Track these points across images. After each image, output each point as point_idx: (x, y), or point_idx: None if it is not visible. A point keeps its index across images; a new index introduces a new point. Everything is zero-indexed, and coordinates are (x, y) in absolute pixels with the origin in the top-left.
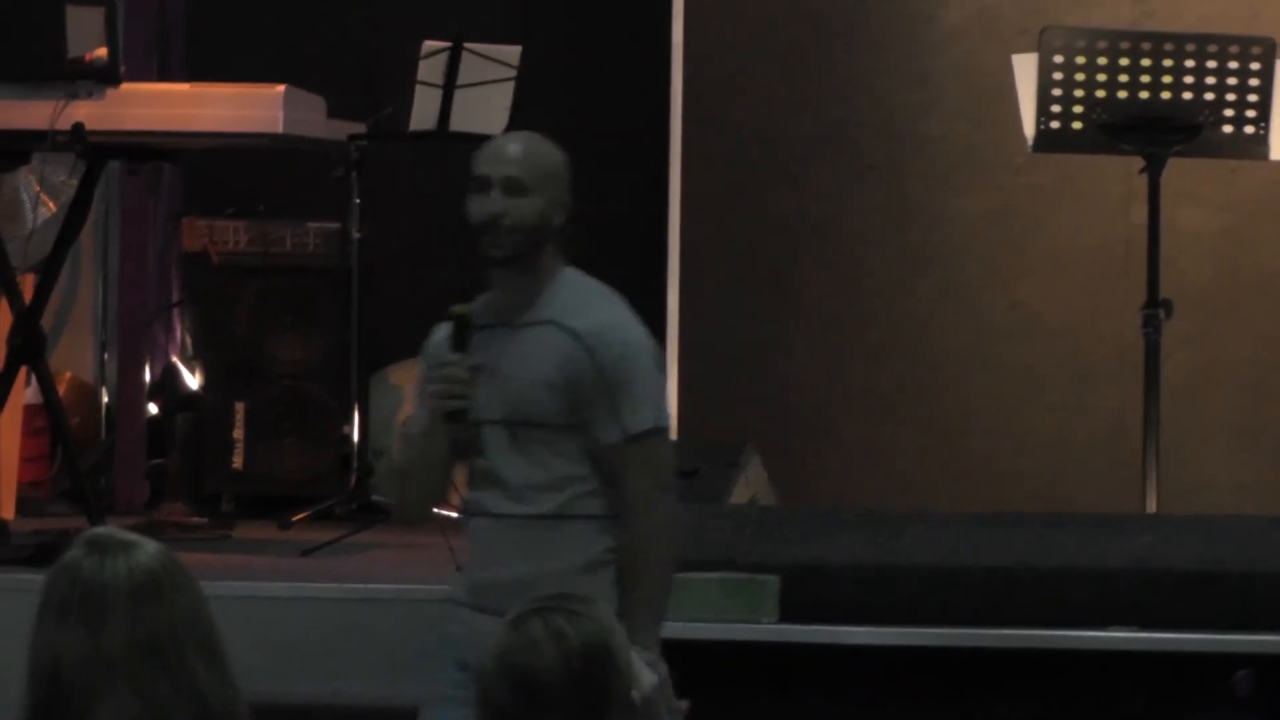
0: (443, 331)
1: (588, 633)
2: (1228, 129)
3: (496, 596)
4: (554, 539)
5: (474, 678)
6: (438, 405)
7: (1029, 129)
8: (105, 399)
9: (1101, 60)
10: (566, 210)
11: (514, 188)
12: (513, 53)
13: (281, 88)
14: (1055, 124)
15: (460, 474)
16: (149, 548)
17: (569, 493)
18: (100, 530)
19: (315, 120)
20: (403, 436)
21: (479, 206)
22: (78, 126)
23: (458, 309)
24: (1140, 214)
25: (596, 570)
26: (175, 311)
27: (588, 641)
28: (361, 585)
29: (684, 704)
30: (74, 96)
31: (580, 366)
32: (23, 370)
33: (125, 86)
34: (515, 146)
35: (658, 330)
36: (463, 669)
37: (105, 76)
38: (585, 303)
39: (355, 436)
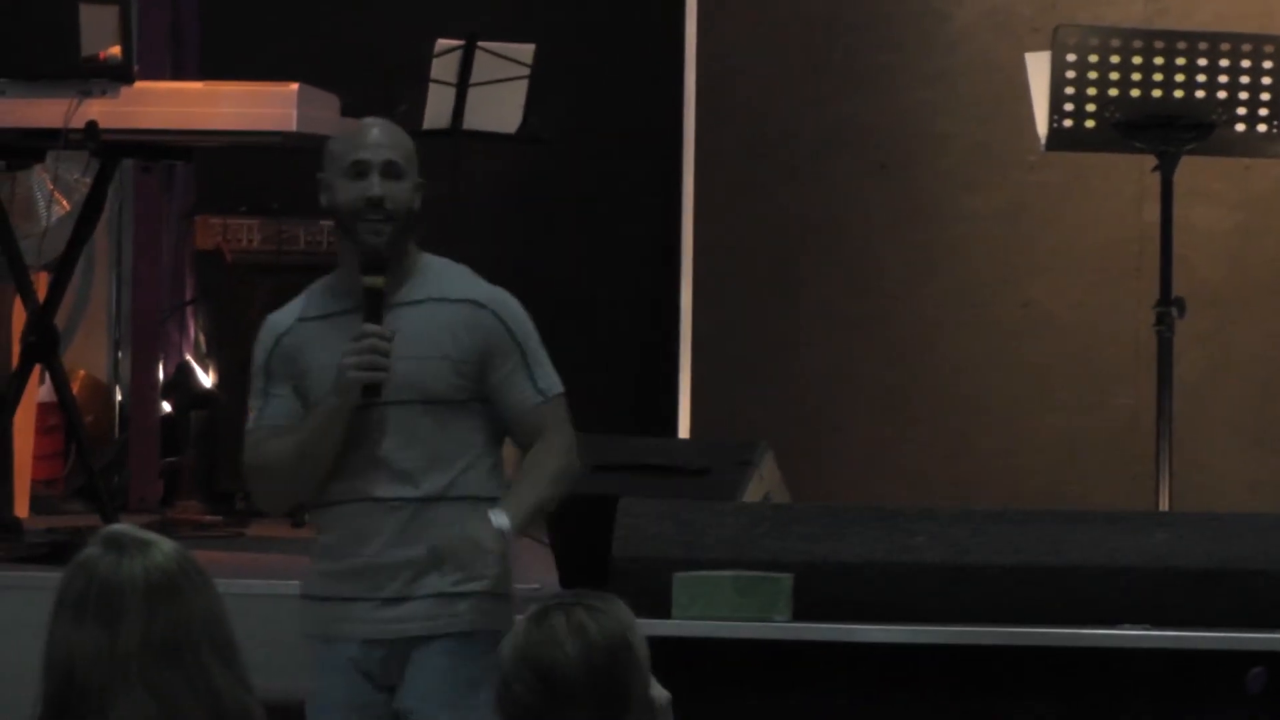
0: (288, 314)
1: (609, 629)
2: (1240, 127)
3: (383, 580)
4: (446, 520)
5: (497, 673)
6: (360, 377)
7: (1042, 127)
8: (119, 397)
9: (1114, 59)
10: (423, 190)
11: (392, 172)
12: (526, 51)
13: (295, 86)
14: (1068, 122)
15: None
16: (165, 547)
17: (457, 471)
18: (117, 528)
19: (329, 118)
20: (299, 421)
21: (357, 191)
22: (91, 125)
23: (373, 280)
24: (1153, 212)
25: None
26: (189, 309)
27: (609, 637)
28: None
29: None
30: (88, 95)
31: (492, 333)
32: (37, 368)
33: (139, 85)
34: (385, 132)
35: (670, 328)
36: (354, 664)
37: (119, 75)
38: (461, 277)
39: None
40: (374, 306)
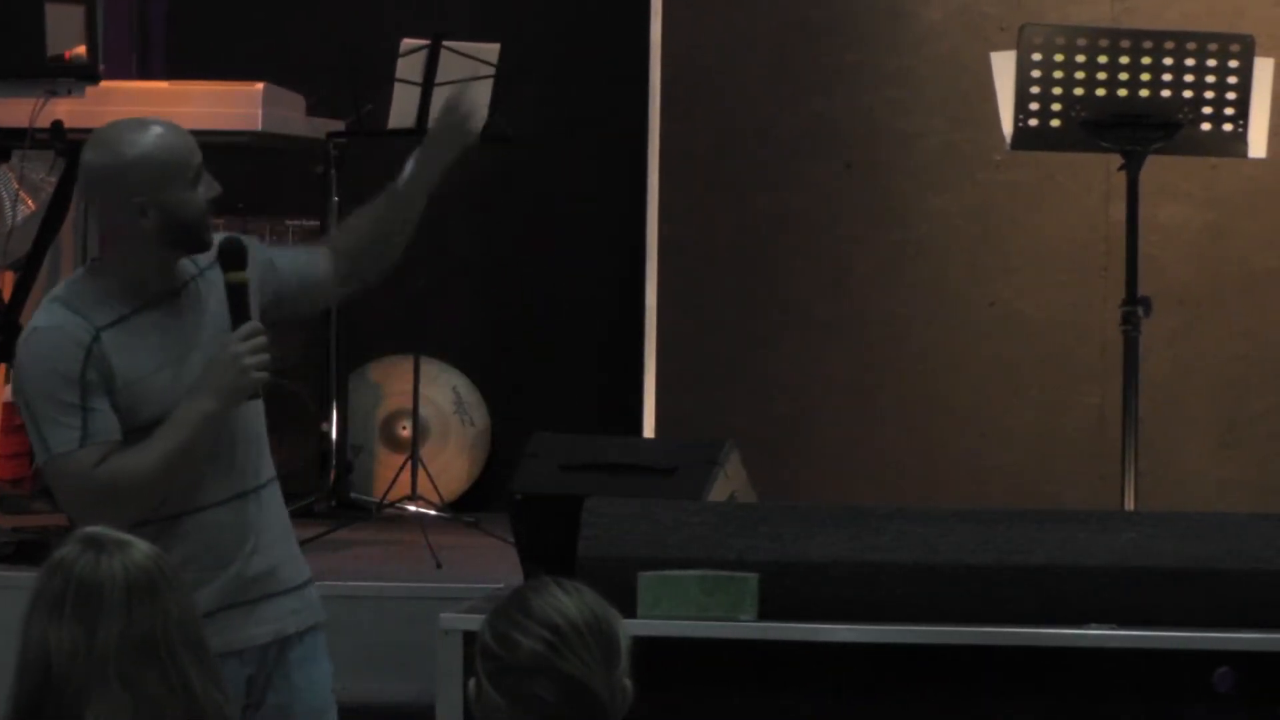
0: (79, 324)
1: (592, 592)
2: (1207, 126)
3: (251, 583)
4: (279, 501)
5: (478, 644)
6: (261, 378)
7: (1007, 126)
8: None
9: (1080, 58)
10: None
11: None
12: (491, 50)
13: (260, 86)
14: (1034, 121)
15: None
16: (143, 547)
17: (264, 445)
18: (94, 529)
19: (294, 118)
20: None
21: (201, 198)
22: (57, 124)
23: (237, 276)
24: (1120, 211)
25: None
26: None
27: (596, 597)
28: (341, 582)
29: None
30: (53, 94)
31: (253, 262)
32: (2, 367)
33: (105, 84)
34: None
35: (636, 327)
36: (241, 680)
37: (85, 74)
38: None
39: (334, 434)
40: (243, 303)
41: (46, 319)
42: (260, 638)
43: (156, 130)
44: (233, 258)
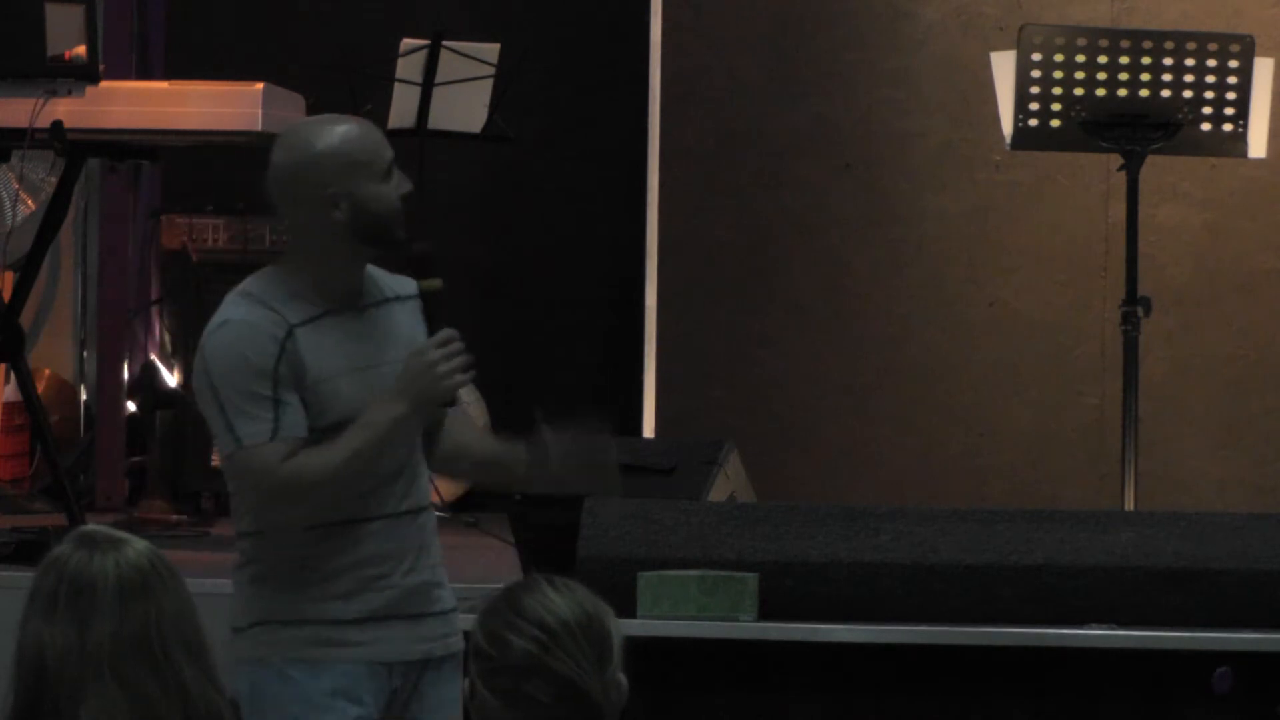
0: (274, 320)
1: (584, 590)
2: (1206, 126)
3: (420, 598)
4: (433, 526)
5: (471, 646)
6: (456, 382)
7: (1007, 126)
8: (84, 396)
9: (1080, 58)
10: None
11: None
12: (491, 50)
13: (260, 86)
14: (1034, 121)
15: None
16: (138, 545)
17: (426, 475)
18: (90, 527)
19: (294, 118)
20: (369, 426)
21: (395, 189)
22: (57, 124)
23: (430, 284)
24: (1119, 211)
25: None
26: (154, 309)
27: (589, 593)
28: None
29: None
30: (53, 94)
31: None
32: (1, 367)
33: (104, 84)
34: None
35: (635, 327)
36: (385, 693)
37: (84, 74)
38: (389, 274)
39: None
40: (438, 310)
41: (238, 312)
42: (413, 654)
43: (346, 125)
44: (425, 264)
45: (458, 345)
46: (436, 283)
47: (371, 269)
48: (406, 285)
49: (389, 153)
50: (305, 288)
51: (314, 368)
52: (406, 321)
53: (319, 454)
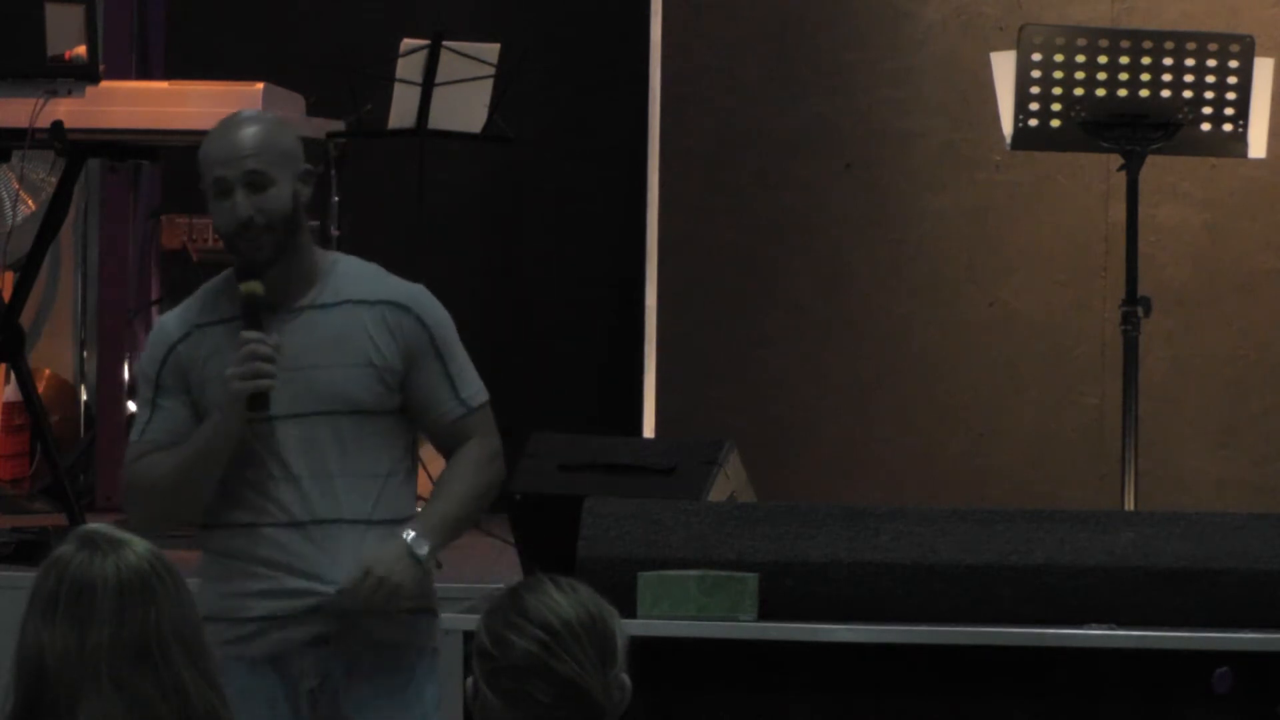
0: (181, 321)
1: (587, 589)
2: (1206, 126)
3: (306, 606)
4: (368, 542)
5: (474, 645)
6: (244, 387)
7: (1007, 127)
8: (85, 396)
9: (1080, 58)
10: (311, 178)
11: (257, 182)
12: (491, 50)
13: (260, 85)
14: (1034, 121)
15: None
16: (139, 547)
17: (377, 488)
18: (92, 526)
19: (294, 118)
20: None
21: (225, 212)
22: (57, 124)
23: (249, 286)
24: (1119, 211)
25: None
26: (154, 309)
27: (593, 594)
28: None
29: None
30: (53, 94)
31: (413, 338)
32: (2, 367)
33: (104, 84)
34: (245, 135)
35: (636, 327)
36: (284, 700)
37: (85, 74)
38: (376, 277)
39: None
40: (252, 313)
41: (169, 311)
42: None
43: (216, 129)
44: (249, 269)
45: (250, 348)
46: (256, 286)
47: (350, 268)
48: (384, 289)
49: (221, 169)
50: (231, 285)
51: (207, 371)
52: (350, 325)
53: (158, 459)
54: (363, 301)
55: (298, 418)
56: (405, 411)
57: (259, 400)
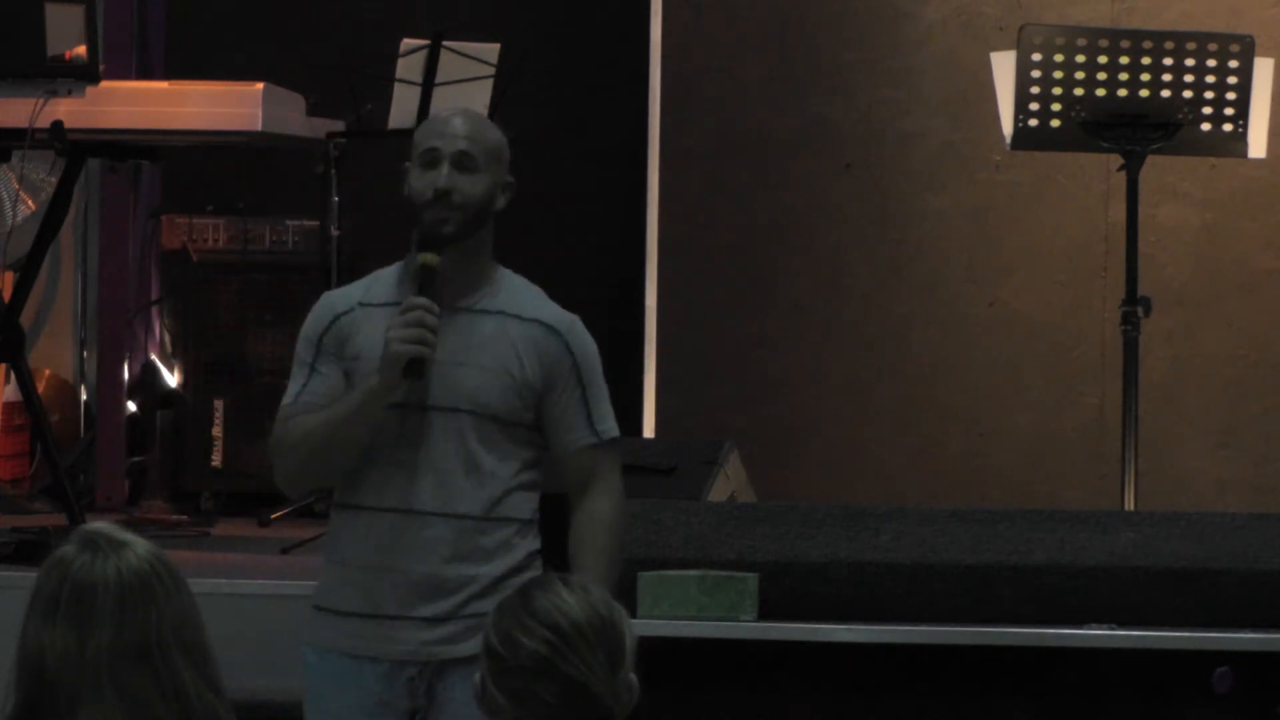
0: (349, 296)
1: (600, 589)
2: (1206, 126)
3: (405, 596)
4: (482, 540)
5: (483, 644)
6: (405, 350)
7: (1007, 127)
8: (85, 396)
9: (1080, 58)
10: (511, 190)
11: (465, 164)
12: (491, 50)
13: (260, 86)
14: (1034, 121)
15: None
16: (140, 549)
17: (499, 490)
18: (95, 527)
19: (294, 118)
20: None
21: (427, 180)
22: (57, 124)
23: (427, 257)
24: (1119, 211)
25: (521, 574)
26: (154, 309)
27: (604, 594)
28: None
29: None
30: (53, 94)
31: (557, 361)
32: (2, 368)
33: (105, 84)
34: (464, 122)
35: (636, 328)
36: (377, 684)
37: (85, 74)
38: (535, 297)
39: None
40: (428, 284)
41: (340, 287)
42: (423, 655)
43: (446, 109)
44: (430, 241)
45: (417, 314)
46: (432, 258)
47: (514, 284)
48: (539, 310)
49: (437, 141)
50: (403, 271)
51: (362, 346)
52: (499, 334)
53: (309, 418)
54: (517, 316)
55: (435, 410)
56: (536, 430)
57: (415, 366)
